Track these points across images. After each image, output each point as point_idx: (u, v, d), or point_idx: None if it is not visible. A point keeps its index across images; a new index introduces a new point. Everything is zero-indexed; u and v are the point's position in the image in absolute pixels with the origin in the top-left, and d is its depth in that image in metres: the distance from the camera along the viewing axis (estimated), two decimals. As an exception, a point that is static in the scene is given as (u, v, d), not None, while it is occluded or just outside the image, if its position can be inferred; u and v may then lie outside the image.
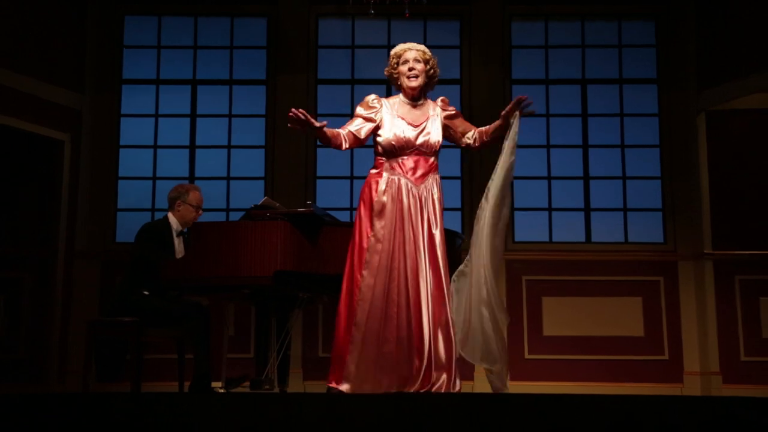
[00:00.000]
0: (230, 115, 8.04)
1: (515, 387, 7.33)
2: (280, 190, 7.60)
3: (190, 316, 5.45)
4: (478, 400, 4.49)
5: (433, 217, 4.82)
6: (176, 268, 5.34)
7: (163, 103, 8.06)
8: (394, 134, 4.86)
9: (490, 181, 4.91)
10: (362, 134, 4.90)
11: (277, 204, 5.52)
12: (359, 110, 4.96)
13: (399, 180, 4.83)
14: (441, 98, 5.07)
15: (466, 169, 7.79)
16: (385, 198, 4.80)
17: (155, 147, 8.00)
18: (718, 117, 7.81)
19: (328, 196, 7.83)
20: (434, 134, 4.91)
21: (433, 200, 4.84)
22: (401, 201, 4.79)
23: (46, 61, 7.59)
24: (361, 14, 7.60)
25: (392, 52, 5.01)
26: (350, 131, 4.88)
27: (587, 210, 7.87)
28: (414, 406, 3.79)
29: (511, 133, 4.88)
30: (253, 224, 5.20)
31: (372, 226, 4.79)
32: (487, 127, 5.02)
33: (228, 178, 7.94)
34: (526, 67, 8.07)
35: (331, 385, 4.74)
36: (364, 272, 4.73)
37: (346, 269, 4.82)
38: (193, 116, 8.03)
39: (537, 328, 7.60)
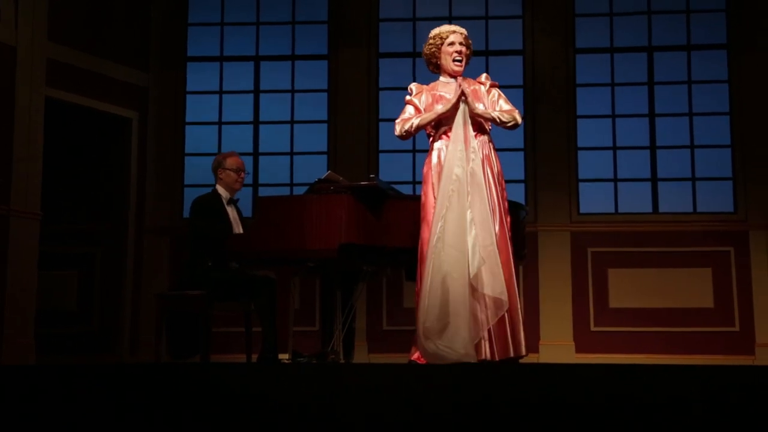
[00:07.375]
0: (293, 91, 8.08)
1: (581, 359, 7.28)
2: (343, 164, 7.62)
3: (258, 290, 5.53)
4: (544, 370, 4.47)
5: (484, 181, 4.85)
6: (242, 241, 5.42)
7: (227, 80, 8.14)
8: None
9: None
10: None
11: (341, 178, 5.54)
12: (409, 99, 5.14)
13: (447, 148, 4.91)
14: (484, 74, 5.18)
15: (529, 139, 7.70)
16: (439, 168, 4.90)
17: (220, 123, 8.10)
18: (792, 82, 7.57)
19: (391, 169, 7.83)
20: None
21: (482, 163, 4.86)
22: (450, 168, 4.86)
23: (113, 41, 7.72)
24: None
25: (435, 32, 5.06)
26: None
27: (654, 180, 7.73)
28: (476, 376, 3.80)
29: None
30: (318, 198, 5.24)
31: (435, 196, 4.83)
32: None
33: (291, 153, 8.00)
34: (591, 36, 7.91)
35: (412, 357, 4.82)
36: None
37: (420, 242, 4.89)
38: (256, 92, 8.10)
39: (603, 301, 7.50)
